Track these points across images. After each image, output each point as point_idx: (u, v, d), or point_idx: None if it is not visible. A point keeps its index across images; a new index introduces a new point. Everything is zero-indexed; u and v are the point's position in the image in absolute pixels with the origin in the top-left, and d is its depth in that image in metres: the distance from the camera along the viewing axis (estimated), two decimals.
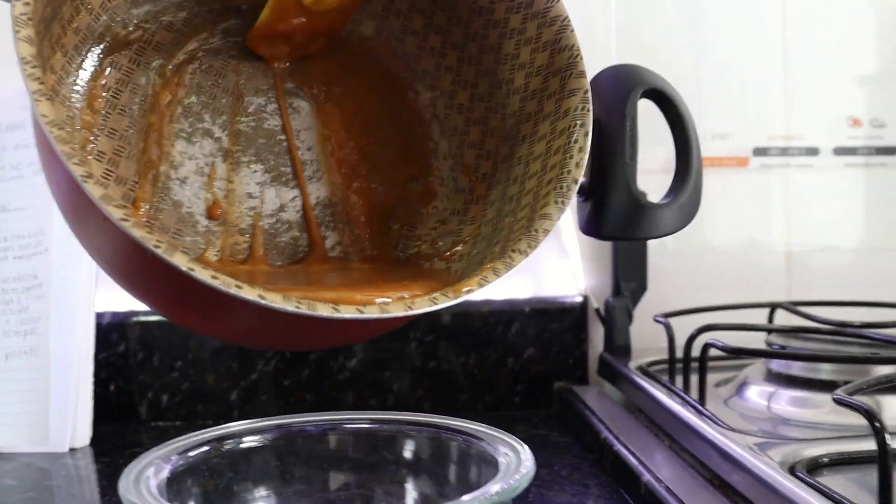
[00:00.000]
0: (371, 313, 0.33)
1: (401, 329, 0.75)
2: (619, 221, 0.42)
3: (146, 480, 0.34)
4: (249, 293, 0.32)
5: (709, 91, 0.82)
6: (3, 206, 0.72)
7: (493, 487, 0.33)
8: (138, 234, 0.31)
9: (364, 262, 0.46)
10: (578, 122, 0.41)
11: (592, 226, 0.43)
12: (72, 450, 0.68)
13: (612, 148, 0.42)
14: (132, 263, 0.34)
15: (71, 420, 0.68)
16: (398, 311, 0.34)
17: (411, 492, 0.40)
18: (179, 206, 0.43)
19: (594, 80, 0.43)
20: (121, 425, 0.75)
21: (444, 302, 0.35)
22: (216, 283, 0.31)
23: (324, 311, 0.33)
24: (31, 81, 0.32)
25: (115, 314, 0.76)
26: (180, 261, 0.31)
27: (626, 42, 0.80)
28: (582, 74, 0.42)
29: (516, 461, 0.35)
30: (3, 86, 0.75)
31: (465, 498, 0.32)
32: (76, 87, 0.40)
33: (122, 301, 0.77)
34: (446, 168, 0.47)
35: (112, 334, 0.76)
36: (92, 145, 0.40)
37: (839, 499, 0.40)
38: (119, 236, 0.31)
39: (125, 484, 0.33)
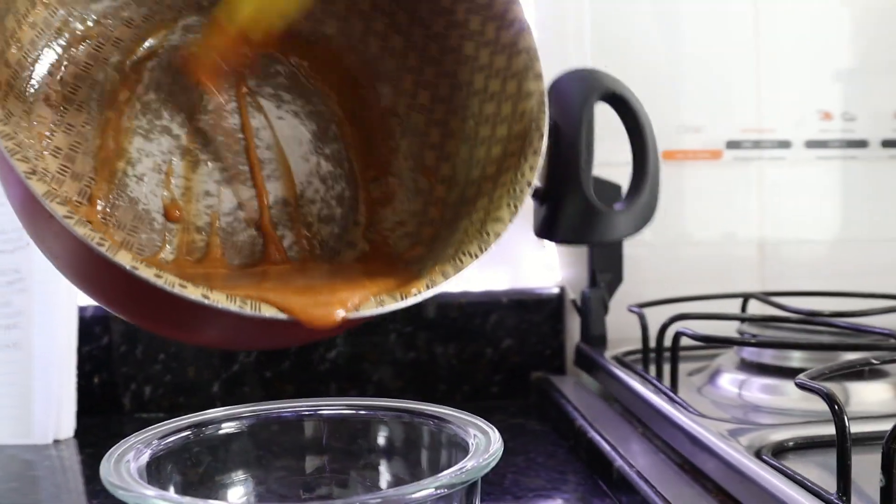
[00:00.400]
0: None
1: (379, 321, 0.76)
2: (574, 226, 0.43)
3: (126, 464, 0.35)
4: (193, 292, 0.32)
5: (682, 84, 0.83)
6: None
7: (466, 464, 0.34)
8: (81, 231, 0.31)
9: (322, 262, 0.46)
10: (534, 124, 0.41)
11: (547, 230, 0.44)
12: (56, 441, 0.69)
13: (568, 152, 0.42)
14: (82, 264, 0.35)
15: (55, 412, 0.69)
16: (340, 314, 0.35)
17: (385, 474, 0.41)
18: (136, 202, 0.43)
19: (553, 85, 0.43)
20: (105, 417, 0.75)
21: (390, 304, 0.36)
22: (159, 282, 0.32)
23: (267, 311, 0.33)
24: None
25: (97, 308, 0.77)
26: (123, 259, 0.32)
27: (600, 36, 0.81)
28: (538, 77, 0.42)
29: (486, 442, 0.36)
30: None
31: (436, 476, 0.33)
32: (33, 82, 0.40)
33: None
34: (406, 169, 0.47)
35: (95, 327, 0.76)
36: (48, 140, 0.40)
37: (801, 480, 0.41)
38: (66, 235, 0.32)
39: (106, 467, 0.34)
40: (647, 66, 0.82)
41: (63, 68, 0.42)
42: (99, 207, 0.41)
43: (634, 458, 0.54)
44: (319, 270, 0.44)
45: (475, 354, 0.78)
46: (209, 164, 0.45)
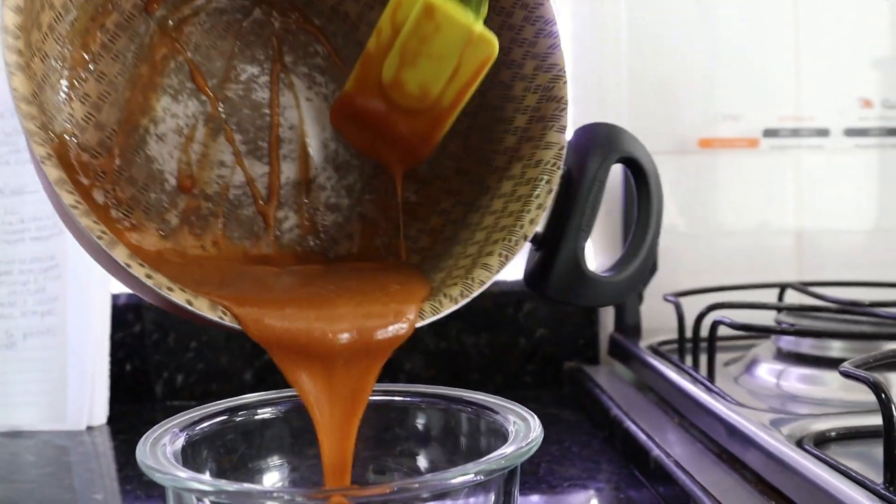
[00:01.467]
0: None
1: None
2: (560, 287, 0.42)
3: (163, 447, 0.35)
4: (179, 297, 0.33)
5: (720, 72, 0.82)
6: (19, 189, 0.73)
7: (506, 450, 0.33)
8: (84, 221, 0.32)
9: (318, 252, 0.46)
10: (545, 177, 0.41)
11: (535, 282, 0.43)
12: (89, 428, 0.69)
13: (572, 208, 0.41)
14: (90, 248, 0.35)
15: (88, 399, 0.69)
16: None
17: (422, 461, 0.41)
18: (152, 161, 0.42)
19: (577, 132, 0.43)
20: (137, 404, 0.76)
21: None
22: (149, 282, 0.33)
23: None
24: (9, 53, 0.33)
25: (130, 295, 0.77)
26: (120, 255, 0.32)
27: (638, 24, 0.80)
28: (562, 130, 0.42)
29: (525, 429, 0.36)
30: None
31: (475, 462, 0.32)
32: (75, 24, 0.40)
33: None
34: (420, 173, 0.47)
35: (128, 315, 0.77)
36: (79, 86, 0.40)
37: (845, 470, 0.40)
38: (72, 220, 0.32)
39: (142, 450, 0.34)
40: (684, 53, 0.81)
41: (107, 15, 0.41)
42: (116, 162, 0.41)
43: (671, 447, 0.53)
44: (313, 272, 0.44)
45: (508, 344, 0.78)
46: (230, 134, 0.45)
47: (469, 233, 0.42)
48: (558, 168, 0.41)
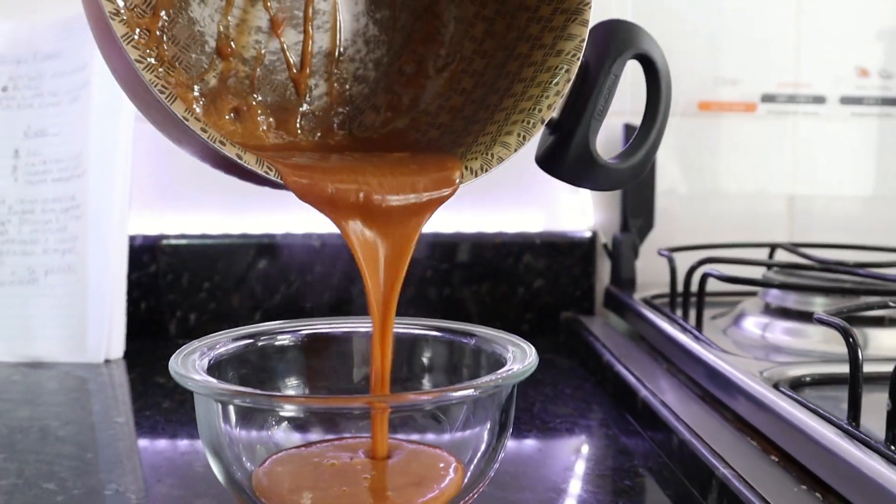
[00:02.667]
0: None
1: (418, 257, 0.79)
2: (570, 170, 0.45)
3: (192, 362, 0.38)
4: (230, 150, 0.35)
5: (722, 35, 0.84)
6: (42, 131, 0.75)
7: (503, 372, 0.37)
8: (147, 77, 0.34)
9: (344, 121, 0.48)
10: (565, 66, 0.43)
11: (547, 163, 0.46)
12: (107, 361, 0.72)
13: (587, 98, 0.44)
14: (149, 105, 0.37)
15: (106, 333, 0.72)
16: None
17: (427, 385, 0.45)
18: (193, 23, 0.43)
19: (597, 27, 0.45)
20: (151, 342, 0.79)
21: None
22: (203, 136, 0.35)
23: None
24: None
25: (146, 237, 0.80)
26: (178, 108, 0.35)
27: None
28: (585, 23, 0.43)
29: (522, 356, 0.39)
30: (41, 16, 0.78)
31: (475, 380, 0.36)
32: None
33: (153, 225, 0.81)
34: (443, 54, 0.49)
35: (143, 256, 0.80)
36: None
37: (814, 408, 0.44)
38: (136, 78, 0.34)
39: (174, 362, 0.37)
40: (687, 16, 0.83)
41: None
42: (160, 21, 0.42)
43: (659, 389, 0.57)
44: (342, 146, 0.46)
45: (507, 293, 0.81)
46: (267, 2, 0.46)
47: (488, 113, 0.45)
48: (578, 59, 0.43)
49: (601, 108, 0.44)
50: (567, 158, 0.45)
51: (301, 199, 0.38)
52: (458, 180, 0.40)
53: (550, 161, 0.45)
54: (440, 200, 0.40)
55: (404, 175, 0.39)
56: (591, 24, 0.44)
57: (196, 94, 0.44)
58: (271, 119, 0.46)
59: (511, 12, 0.46)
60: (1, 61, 0.77)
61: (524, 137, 0.42)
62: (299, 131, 0.47)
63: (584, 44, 0.43)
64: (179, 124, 0.35)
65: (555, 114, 0.43)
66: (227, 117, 0.44)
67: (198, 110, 0.43)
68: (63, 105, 0.76)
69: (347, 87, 0.48)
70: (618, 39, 0.45)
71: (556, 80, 0.42)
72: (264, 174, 0.37)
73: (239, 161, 0.36)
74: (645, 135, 0.46)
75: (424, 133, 0.47)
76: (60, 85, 0.76)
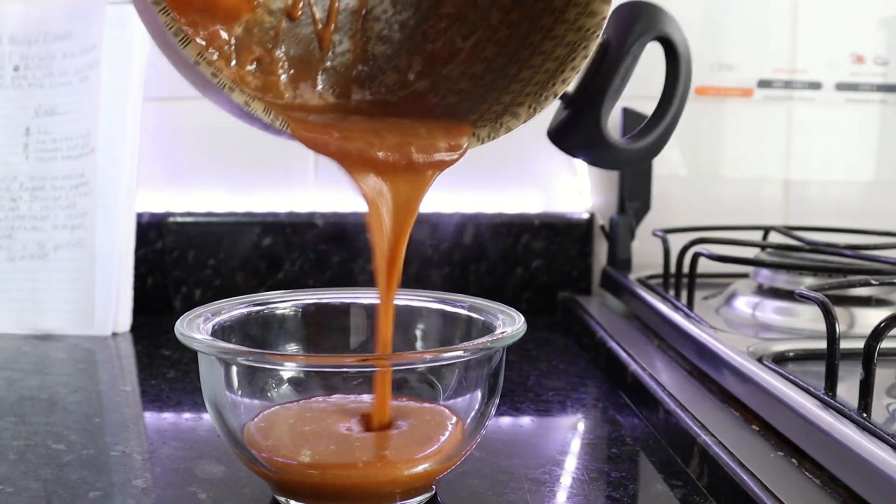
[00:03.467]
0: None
1: (420, 237, 0.81)
2: (580, 145, 0.45)
3: (197, 326, 0.40)
4: (238, 97, 0.36)
5: (721, 20, 0.86)
6: (52, 110, 0.77)
7: (493, 336, 0.40)
8: (163, 19, 0.35)
9: (364, 80, 0.48)
10: (584, 43, 0.43)
11: (558, 137, 0.46)
12: (114, 334, 0.74)
13: (605, 76, 0.44)
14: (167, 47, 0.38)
15: (113, 308, 0.74)
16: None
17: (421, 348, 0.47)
18: None
19: (620, 6, 0.45)
20: (157, 316, 0.81)
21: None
22: (214, 80, 0.35)
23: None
24: None
25: (153, 214, 0.82)
26: (190, 53, 0.35)
27: None
28: (608, 1, 0.43)
29: (512, 323, 0.41)
30: None
31: (467, 342, 0.38)
32: None
33: (159, 202, 0.82)
34: (470, 21, 0.48)
35: (150, 232, 0.82)
36: None
37: (794, 380, 0.46)
38: (153, 17, 0.35)
39: (180, 325, 0.39)
40: (685, 0, 0.85)
41: None
42: None
43: (649, 365, 0.59)
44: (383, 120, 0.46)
45: (506, 272, 0.83)
46: None
47: (505, 82, 0.45)
48: (597, 37, 0.43)
49: (617, 87, 0.45)
50: (578, 134, 0.45)
51: (311, 149, 0.39)
52: (465, 145, 0.41)
53: (561, 135, 0.46)
54: (444, 164, 0.41)
55: (411, 136, 0.40)
56: (614, 4, 0.44)
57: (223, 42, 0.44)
58: (292, 71, 0.46)
59: None
60: (13, 42, 0.78)
61: (535, 109, 0.42)
62: (319, 87, 0.47)
63: (606, 22, 0.43)
64: (192, 69, 0.36)
65: (570, 89, 0.44)
66: (248, 68, 0.44)
67: (215, 58, 0.43)
68: (73, 85, 0.77)
69: (371, 46, 0.48)
70: (641, 20, 0.45)
71: (573, 56, 0.43)
72: (270, 122, 0.37)
73: (246, 108, 0.36)
74: (659, 118, 0.47)
75: (443, 98, 0.47)
76: (70, 65, 0.78)
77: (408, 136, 0.40)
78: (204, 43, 0.42)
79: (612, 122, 0.81)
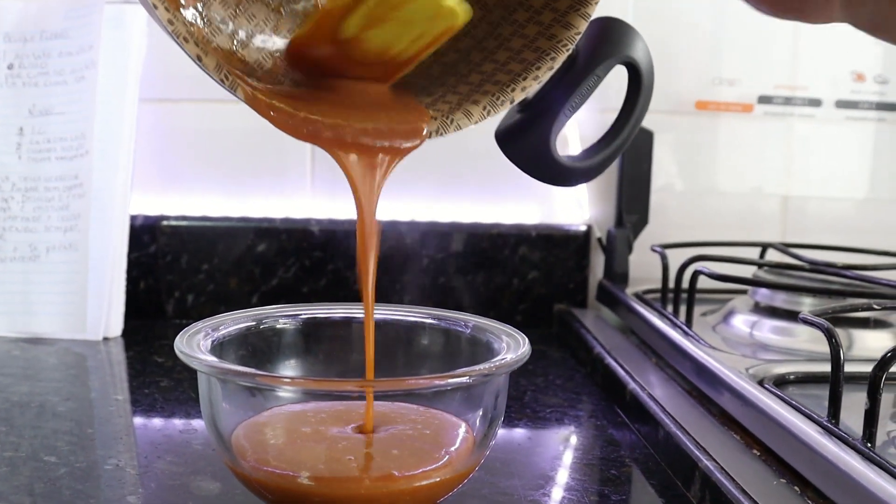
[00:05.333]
0: None
1: (415, 246, 0.81)
2: (523, 154, 0.44)
3: (197, 342, 0.39)
4: (191, 49, 0.35)
5: (723, 36, 0.85)
6: (47, 110, 0.76)
7: (496, 361, 0.39)
8: (168, 27, 0.34)
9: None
10: (552, 54, 0.41)
11: (504, 140, 0.45)
12: (105, 339, 0.73)
13: (565, 90, 0.43)
14: None
15: (105, 311, 0.74)
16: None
17: (424, 372, 0.46)
18: None
19: (599, 21, 0.44)
20: (149, 321, 0.80)
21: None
22: (168, 28, 0.34)
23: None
24: None
25: (146, 217, 0.81)
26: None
27: None
28: (586, 16, 0.42)
29: (515, 346, 0.41)
30: None
31: (470, 368, 0.38)
32: None
33: (154, 205, 0.82)
34: None
35: (144, 236, 0.81)
36: None
37: (797, 405, 0.45)
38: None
39: (180, 341, 0.39)
40: (687, 15, 0.85)
41: None
42: None
43: (647, 383, 0.58)
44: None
45: (502, 284, 0.83)
46: None
47: (467, 69, 0.44)
48: (567, 50, 0.42)
49: (574, 103, 0.43)
50: (524, 143, 0.44)
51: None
52: (424, 134, 0.41)
53: (508, 139, 0.44)
54: (403, 152, 0.40)
55: (368, 123, 0.40)
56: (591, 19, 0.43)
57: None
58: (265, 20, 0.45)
59: None
60: (8, 39, 0.77)
61: (489, 112, 0.41)
62: (279, 36, 0.45)
63: (579, 36, 0.42)
64: (152, 12, 0.34)
65: (530, 96, 0.43)
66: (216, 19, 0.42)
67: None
68: (68, 84, 0.76)
69: None
70: (611, 41, 0.43)
71: (538, 64, 0.42)
72: (219, 81, 0.36)
73: (198, 64, 0.35)
74: (609, 141, 0.46)
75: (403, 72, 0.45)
76: (66, 64, 0.77)
77: (364, 122, 0.40)
78: None
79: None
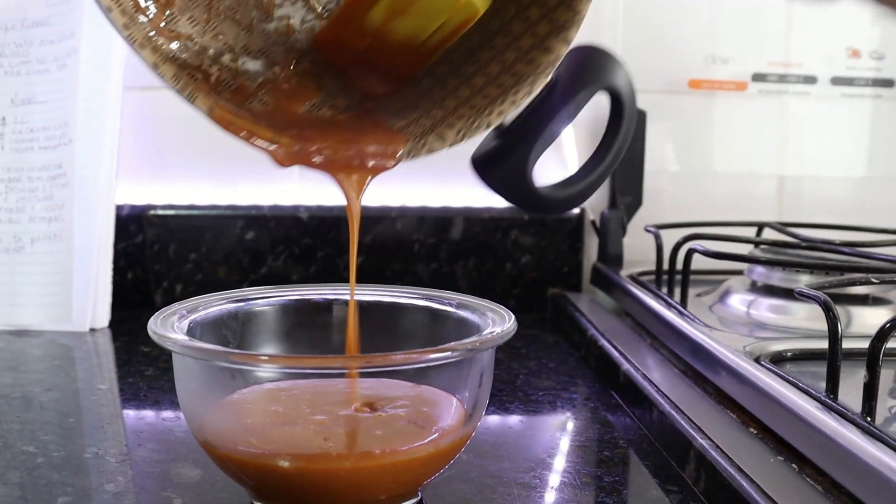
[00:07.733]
0: None
1: (406, 231, 0.79)
2: (499, 180, 0.43)
3: (172, 324, 0.38)
4: (148, 56, 0.35)
5: (714, 14, 0.84)
6: (29, 99, 0.75)
7: (481, 336, 0.38)
8: (123, 31, 0.34)
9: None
10: (531, 78, 0.41)
11: (479, 164, 0.44)
12: (92, 330, 0.72)
13: (543, 118, 0.42)
14: None
15: (91, 302, 0.72)
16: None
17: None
18: None
19: (575, 49, 0.43)
20: (136, 311, 0.78)
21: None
22: (124, 33, 0.34)
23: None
24: None
25: (133, 207, 0.80)
26: (117, 21, 0.34)
27: None
28: (566, 42, 0.41)
29: (501, 322, 0.40)
30: None
31: (455, 342, 0.37)
32: None
33: (140, 194, 0.80)
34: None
35: (130, 225, 0.80)
36: None
37: (794, 381, 0.44)
38: None
39: (154, 322, 0.38)
40: None
41: None
42: None
43: (642, 364, 0.57)
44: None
45: (495, 268, 0.81)
46: None
47: (442, 93, 0.43)
48: (547, 76, 0.41)
49: (552, 132, 0.42)
50: (501, 170, 0.43)
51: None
52: (398, 156, 0.41)
53: (484, 166, 0.43)
54: (376, 170, 0.40)
55: (340, 147, 0.40)
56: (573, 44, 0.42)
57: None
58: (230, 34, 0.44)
59: (500, 2, 0.44)
60: None
61: (463, 136, 0.40)
62: (258, 54, 0.45)
63: (559, 62, 0.41)
64: (107, 14, 0.34)
65: (506, 120, 0.42)
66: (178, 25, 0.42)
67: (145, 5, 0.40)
68: (51, 73, 0.75)
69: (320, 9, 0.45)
70: (593, 68, 0.42)
71: (516, 89, 0.41)
72: (177, 91, 0.35)
73: (154, 71, 0.34)
74: (590, 170, 0.44)
75: (382, 90, 0.45)
76: (48, 52, 0.75)
77: (337, 146, 0.39)
78: None
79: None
